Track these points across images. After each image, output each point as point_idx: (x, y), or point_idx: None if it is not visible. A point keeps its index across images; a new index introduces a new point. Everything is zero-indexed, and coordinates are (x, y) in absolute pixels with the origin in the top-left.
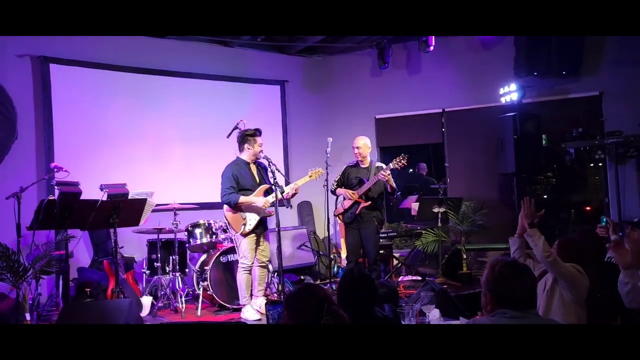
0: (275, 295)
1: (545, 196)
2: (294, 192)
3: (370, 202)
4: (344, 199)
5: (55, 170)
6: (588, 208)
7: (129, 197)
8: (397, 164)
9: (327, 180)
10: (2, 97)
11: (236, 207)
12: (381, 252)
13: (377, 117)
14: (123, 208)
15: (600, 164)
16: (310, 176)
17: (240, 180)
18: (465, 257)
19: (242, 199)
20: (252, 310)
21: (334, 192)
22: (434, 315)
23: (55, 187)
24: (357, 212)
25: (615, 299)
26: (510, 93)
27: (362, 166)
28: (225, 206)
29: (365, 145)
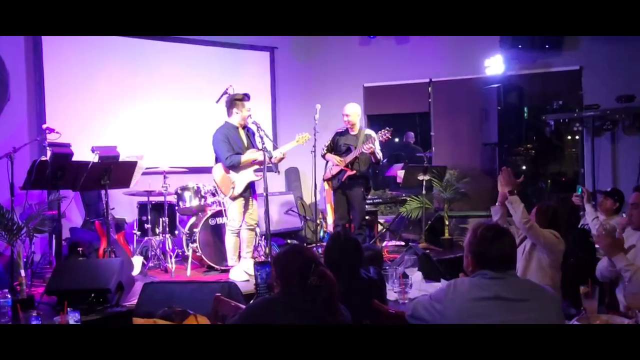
0: (263, 257)
1: (524, 167)
2: (281, 156)
3: (355, 172)
4: (333, 164)
5: (47, 131)
6: (564, 179)
7: (120, 160)
8: (382, 137)
9: (314, 146)
10: None
11: (238, 167)
12: (367, 217)
13: (366, 85)
14: (114, 170)
15: (577, 137)
16: (297, 141)
17: (230, 143)
18: (447, 223)
19: (244, 157)
20: (240, 272)
21: (323, 157)
22: (416, 278)
23: (48, 148)
24: (342, 179)
25: (588, 263)
26: (495, 65)
27: (352, 133)
28: (214, 170)
29: (354, 112)
